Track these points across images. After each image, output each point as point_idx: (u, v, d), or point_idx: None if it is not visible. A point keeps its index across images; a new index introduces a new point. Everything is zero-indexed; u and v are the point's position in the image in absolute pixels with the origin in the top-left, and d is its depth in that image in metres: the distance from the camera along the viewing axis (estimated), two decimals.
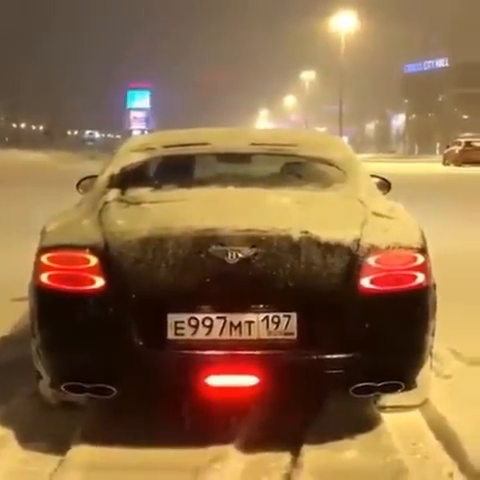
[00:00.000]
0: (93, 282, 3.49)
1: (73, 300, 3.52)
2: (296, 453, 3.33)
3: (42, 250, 3.63)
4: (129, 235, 3.52)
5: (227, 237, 3.44)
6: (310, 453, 3.31)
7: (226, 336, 3.43)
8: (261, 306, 3.46)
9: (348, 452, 3.34)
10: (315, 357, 3.41)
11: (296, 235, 3.47)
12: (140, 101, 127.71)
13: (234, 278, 3.43)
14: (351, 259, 3.45)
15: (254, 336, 3.43)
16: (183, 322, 3.44)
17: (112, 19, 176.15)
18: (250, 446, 3.40)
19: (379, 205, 3.92)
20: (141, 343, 3.42)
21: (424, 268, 3.55)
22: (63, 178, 22.34)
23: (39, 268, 3.60)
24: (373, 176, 4.77)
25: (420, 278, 3.53)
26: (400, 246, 3.54)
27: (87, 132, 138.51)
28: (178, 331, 3.44)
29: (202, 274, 3.43)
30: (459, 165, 38.72)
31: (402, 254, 3.54)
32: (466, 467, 3.14)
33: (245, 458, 3.32)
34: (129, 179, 4.18)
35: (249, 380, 3.42)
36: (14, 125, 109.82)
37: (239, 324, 3.44)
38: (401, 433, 3.52)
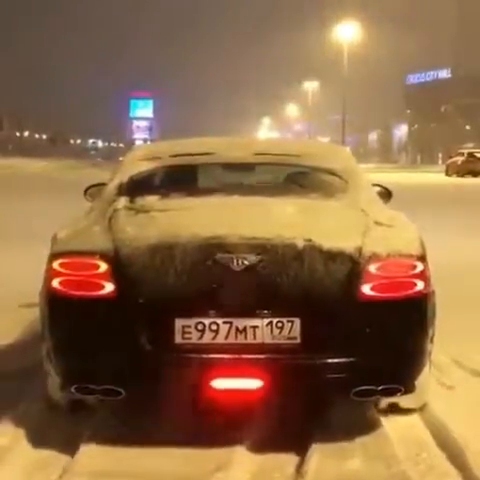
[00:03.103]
0: (103, 287, 3.57)
1: (83, 305, 3.61)
2: (300, 462, 3.34)
3: (54, 256, 3.71)
4: (138, 242, 3.61)
5: (233, 245, 3.53)
6: (314, 462, 3.31)
7: (232, 340, 3.52)
8: (265, 311, 3.54)
9: (352, 461, 3.35)
10: (318, 361, 3.51)
11: (300, 243, 3.56)
12: (143, 110, 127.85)
13: (239, 284, 3.53)
14: (353, 266, 3.55)
15: (259, 340, 3.52)
16: (190, 327, 3.53)
17: (116, 28, 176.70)
18: (254, 456, 3.42)
19: (380, 214, 4.00)
20: (149, 347, 3.52)
21: (423, 276, 3.65)
22: (67, 186, 22.41)
23: (51, 274, 3.68)
24: (375, 185, 4.91)
25: (420, 285, 3.62)
26: (400, 254, 3.63)
27: (90, 141, 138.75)
28: (185, 335, 3.52)
29: (209, 280, 3.53)
30: (462, 176, 38.77)
31: (402, 262, 3.63)
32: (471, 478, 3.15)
33: (249, 468, 3.32)
34: (137, 187, 4.26)
35: (253, 383, 3.52)
36: (17, 134, 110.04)
37: (244, 329, 3.53)
38: (405, 443, 3.54)
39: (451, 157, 44.20)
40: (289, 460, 3.38)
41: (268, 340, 3.53)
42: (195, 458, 3.39)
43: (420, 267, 3.64)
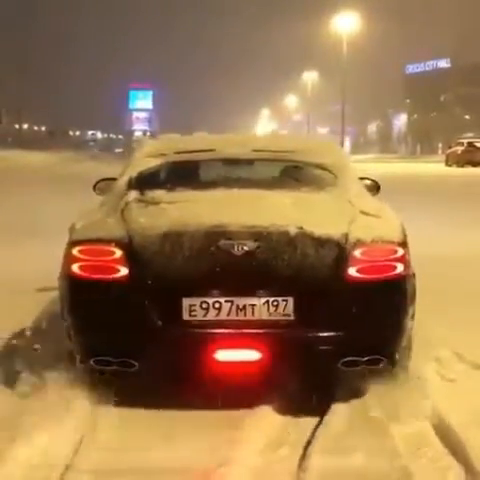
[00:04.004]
0: (118, 271, 4.02)
1: (101, 287, 4.06)
2: (302, 457, 3.38)
3: (73, 244, 4.16)
4: (150, 231, 4.06)
5: (234, 232, 3.98)
6: (316, 457, 3.34)
7: (233, 317, 3.97)
8: (263, 291, 3.97)
9: (354, 456, 3.37)
10: (309, 335, 3.97)
11: (293, 231, 4.00)
12: (143, 101, 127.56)
13: (240, 267, 3.97)
14: (340, 251, 3.99)
15: (257, 317, 3.96)
16: (196, 305, 3.97)
17: (114, 20, 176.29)
18: (256, 451, 3.49)
19: (366, 205, 4.45)
20: (160, 323, 3.96)
21: (403, 259, 4.08)
22: (69, 179, 22.32)
23: (70, 259, 4.12)
24: (364, 178, 5.51)
25: (400, 268, 4.06)
26: (383, 240, 4.07)
27: (89, 132, 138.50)
28: (192, 313, 3.97)
29: (212, 264, 3.97)
30: (461, 166, 38.74)
31: (384, 247, 4.07)
32: (474, 474, 3.17)
33: (250, 463, 3.37)
34: (146, 182, 4.72)
35: (252, 355, 3.95)
36: (17, 126, 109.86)
37: (244, 307, 3.97)
38: (406, 438, 3.56)
39: (450, 147, 44.12)
40: (291, 455, 3.44)
41: (265, 317, 3.95)
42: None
43: (400, 252, 4.08)
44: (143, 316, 3.98)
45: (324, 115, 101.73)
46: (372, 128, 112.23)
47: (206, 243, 3.98)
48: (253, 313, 3.96)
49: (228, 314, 3.96)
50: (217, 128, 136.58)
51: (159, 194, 4.48)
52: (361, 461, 3.33)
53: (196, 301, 3.97)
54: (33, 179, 22.58)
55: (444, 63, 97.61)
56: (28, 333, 4.96)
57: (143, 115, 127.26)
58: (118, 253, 4.03)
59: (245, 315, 3.96)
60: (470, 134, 51.39)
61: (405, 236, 4.19)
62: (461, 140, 43.54)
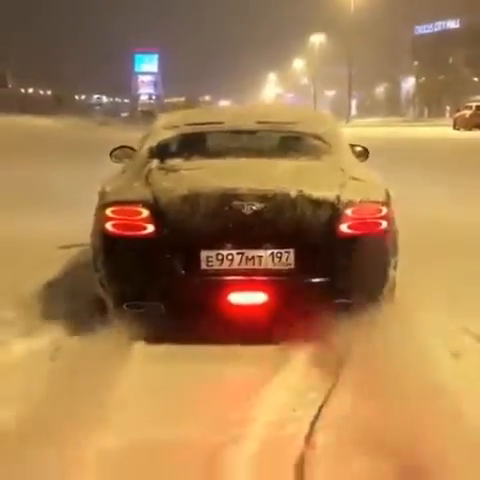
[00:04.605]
0: (145, 229, 4.77)
1: (131, 242, 4.81)
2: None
3: (106, 205, 4.90)
4: (172, 193, 4.80)
5: (244, 195, 4.72)
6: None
7: (243, 266, 4.74)
8: (268, 245, 4.73)
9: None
10: (307, 281, 4.73)
11: (294, 193, 4.73)
12: (148, 65, 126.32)
13: (249, 225, 4.72)
14: (333, 211, 4.73)
15: (263, 266, 4.73)
16: (212, 257, 4.75)
17: None
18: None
19: (355, 171, 5.23)
20: (182, 272, 4.75)
21: (387, 217, 4.84)
22: (74, 146, 22.20)
23: (104, 219, 4.86)
24: (355, 145, 6.31)
25: (384, 224, 4.82)
26: (369, 201, 4.83)
27: (95, 96, 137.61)
28: (209, 263, 4.75)
29: (226, 222, 4.72)
30: (469, 129, 38.48)
31: (371, 207, 4.82)
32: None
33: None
34: (164, 151, 5.49)
35: (259, 298, 4.71)
36: (22, 90, 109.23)
37: (252, 257, 4.74)
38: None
39: (459, 110, 43.76)
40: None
41: (270, 266, 4.73)
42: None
43: (385, 210, 4.84)
44: (168, 266, 4.73)
45: (331, 78, 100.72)
46: (380, 91, 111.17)
47: (220, 204, 4.71)
48: (260, 263, 4.72)
49: (239, 264, 4.73)
50: (223, 92, 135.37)
51: (177, 162, 5.24)
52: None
53: (212, 253, 4.73)
54: (39, 147, 22.39)
55: (453, 24, 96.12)
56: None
57: (148, 79, 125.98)
58: (145, 213, 4.76)
59: (253, 264, 4.72)
60: (479, 97, 50.85)
61: (389, 197, 4.94)
62: (469, 103, 43.19)
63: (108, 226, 4.82)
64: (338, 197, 4.75)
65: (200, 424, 3.55)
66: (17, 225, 8.42)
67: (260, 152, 5.56)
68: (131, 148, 6.17)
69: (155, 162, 5.24)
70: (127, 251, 4.81)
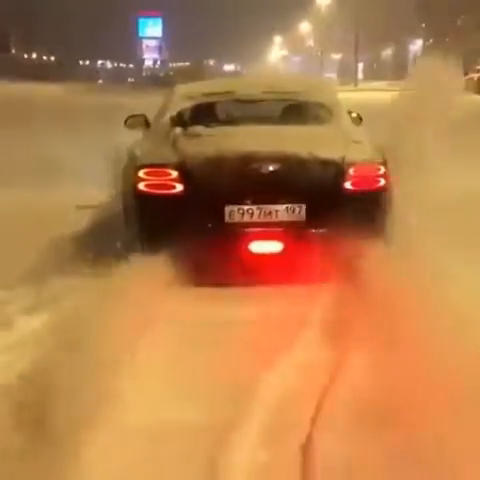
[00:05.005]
0: (175, 188, 5.61)
1: (162, 200, 5.61)
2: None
3: (139, 167, 5.70)
4: (197, 156, 5.65)
5: (262, 157, 5.58)
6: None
7: (262, 219, 5.57)
8: (283, 200, 5.56)
9: None
10: (316, 231, 5.54)
11: (305, 155, 5.58)
12: (152, 29, 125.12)
13: (267, 183, 5.58)
14: (338, 170, 5.64)
15: (279, 219, 5.58)
16: (234, 211, 5.59)
17: None
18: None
19: (355, 135, 6.15)
20: (209, 224, 5.59)
21: (385, 175, 5.74)
22: (78, 114, 21.98)
23: (137, 180, 5.63)
24: (351, 112, 7.10)
25: (382, 181, 5.74)
26: (370, 161, 5.77)
27: (99, 62, 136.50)
28: (231, 217, 5.60)
29: (246, 181, 5.57)
30: (478, 93, 38.02)
31: (371, 166, 5.75)
32: None
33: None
34: (185, 120, 6.30)
35: (276, 247, 5.52)
36: (25, 55, 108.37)
37: (270, 212, 5.58)
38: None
39: (467, 74, 43.24)
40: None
41: (285, 219, 5.59)
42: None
43: (383, 169, 5.75)
44: (195, 220, 5.49)
45: (337, 42, 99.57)
46: (387, 54, 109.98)
47: (241, 165, 5.54)
48: (277, 216, 5.57)
49: (258, 217, 5.55)
50: (227, 57, 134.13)
51: (198, 129, 5.98)
52: None
53: (234, 208, 5.57)
54: (43, 114, 22.12)
55: None
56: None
57: (153, 43, 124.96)
58: (174, 174, 5.59)
59: (271, 218, 5.56)
60: None
61: (385, 158, 5.82)
62: (479, 66, 42.68)
63: (141, 186, 5.60)
64: (343, 158, 5.62)
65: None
66: (29, 193, 8.80)
67: (271, 119, 6.44)
68: (144, 117, 6.97)
69: (178, 129, 6.00)
70: (159, 208, 5.56)
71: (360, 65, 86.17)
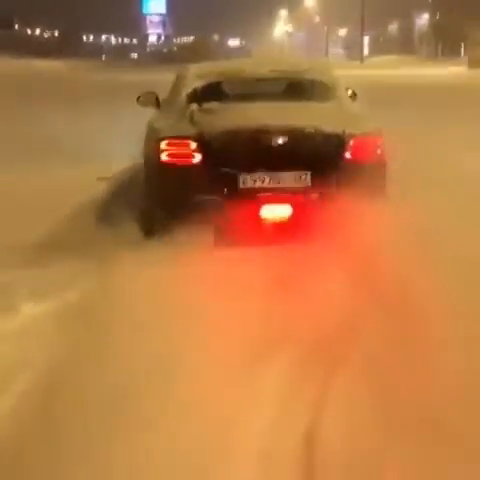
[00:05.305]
0: (194, 158, 6.15)
1: (183, 169, 6.17)
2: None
3: (160, 139, 6.27)
4: (214, 129, 6.22)
5: (272, 131, 6.19)
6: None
7: (272, 185, 6.17)
8: (291, 168, 6.17)
9: None
10: (320, 195, 6.14)
11: (310, 128, 6.24)
12: (156, 5, 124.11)
13: (276, 153, 6.18)
14: (340, 141, 6.26)
15: (288, 185, 6.19)
16: (247, 178, 6.16)
17: None
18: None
19: (354, 111, 6.89)
20: (225, 190, 6.14)
21: (381, 147, 6.37)
22: (80, 93, 21.80)
23: (159, 151, 6.19)
24: (347, 88, 7.67)
25: (379, 152, 6.37)
26: (367, 134, 6.41)
27: (103, 37, 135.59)
28: (245, 183, 6.16)
29: (258, 151, 6.15)
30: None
31: (369, 139, 6.40)
32: None
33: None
34: (200, 96, 6.78)
35: (285, 211, 6.14)
36: (29, 31, 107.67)
37: (279, 178, 6.16)
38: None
39: (474, 49, 42.80)
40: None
41: (293, 185, 6.19)
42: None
43: (379, 141, 6.37)
44: (213, 186, 6.06)
45: (343, 16, 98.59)
46: (393, 28, 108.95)
47: (253, 137, 6.15)
48: (285, 182, 6.16)
49: (269, 183, 6.14)
50: (231, 32, 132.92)
51: (213, 105, 6.57)
52: None
53: (248, 176, 6.13)
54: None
55: None
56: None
57: (157, 19, 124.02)
58: (193, 145, 6.13)
59: (280, 184, 6.16)
60: None
61: (381, 132, 6.44)
62: None
63: (163, 156, 6.16)
64: (344, 131, 6.25)
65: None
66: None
67: (278, 96, 7.07)
68: (155, 94, 7.54)
69: (194, 105, 6.55)
70: (180, 176, 6.12)
71: (366, 39, 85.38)
